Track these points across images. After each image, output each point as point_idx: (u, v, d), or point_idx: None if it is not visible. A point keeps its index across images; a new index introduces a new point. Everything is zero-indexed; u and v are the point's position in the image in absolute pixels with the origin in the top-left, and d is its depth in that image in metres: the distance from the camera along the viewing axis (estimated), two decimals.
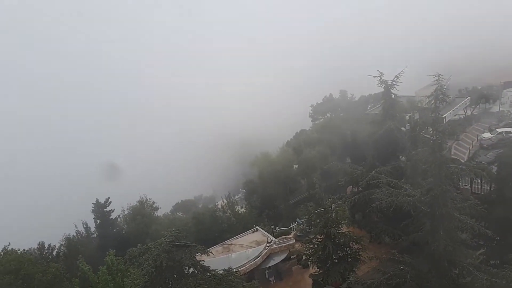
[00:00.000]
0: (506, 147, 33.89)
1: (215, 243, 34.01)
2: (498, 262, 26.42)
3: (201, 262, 18.77)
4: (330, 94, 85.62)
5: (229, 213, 39.68)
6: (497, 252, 26.95)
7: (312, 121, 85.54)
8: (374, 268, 26.27)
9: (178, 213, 57.23)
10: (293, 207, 47.26)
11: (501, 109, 70.05)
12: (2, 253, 25.39)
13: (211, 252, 20.53)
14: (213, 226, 37.89)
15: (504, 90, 72.09)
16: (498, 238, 26.65)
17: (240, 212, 40.56)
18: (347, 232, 29.03)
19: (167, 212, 56.71)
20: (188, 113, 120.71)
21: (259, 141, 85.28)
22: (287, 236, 33.89)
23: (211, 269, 19.22)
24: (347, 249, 28.59)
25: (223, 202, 41.56)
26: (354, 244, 28.54)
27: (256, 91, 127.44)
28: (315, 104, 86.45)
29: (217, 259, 29.33)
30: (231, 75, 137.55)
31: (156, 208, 44.81)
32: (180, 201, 65.97)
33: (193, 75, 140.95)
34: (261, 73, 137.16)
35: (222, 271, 19.54)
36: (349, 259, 28.38)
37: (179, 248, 17.95)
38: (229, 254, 31.31)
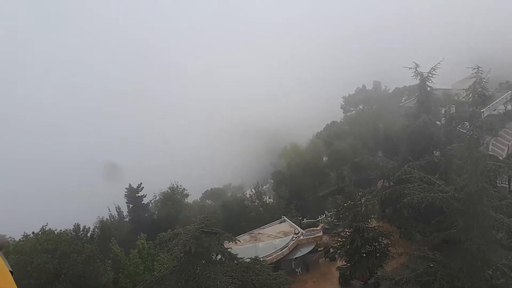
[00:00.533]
0: None
1: (242, 231, 34.30)
2: None
3: (228, 250, 19.07)
4: (363, 86, 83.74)
5: (257, 202, 39.90)
6: None
7: (343, 112, 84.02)
8: (403, 264, 25.81)
9: (207, 201, 58.04)
10: (321, 199, 46.94)
11: None
12: (40, 232, 26.67)
13: (239, 240, 20.84)
14: (241, 215, 38.21)
15: None
16: None
17: (268, 202, 40.71)
18: (376, 227, 28.70)
19: (197, 200, 57.63)
20: (218, 103, 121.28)
21: (289, 131, 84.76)
22: (315, 228, 33.81)
23: (238, 257, 19.49)
24: (376, 244, 28.29)
25: (251, 191, 41.82)
26: (383, 239, 28.21)
27: (287, 81, 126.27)
28: (347, 95, 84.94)
29: (244, 247, 29.63)
30: (262, 63, 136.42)
31: (186, 195, 45.62)
32: (209, 189, 66.81)
33: (221, 61, 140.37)
34: (294, 63, 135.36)
35: (249, 260, 19.78)
36: (378, 254, 28.08)
37: (207, 235, 18.30)
38: (257, 243, 31.58)
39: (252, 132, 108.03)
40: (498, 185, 34.43)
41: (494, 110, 60.63)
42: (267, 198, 42.11)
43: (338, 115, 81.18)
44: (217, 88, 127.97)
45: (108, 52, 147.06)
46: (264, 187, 52.93)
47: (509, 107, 66.43)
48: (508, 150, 48.02)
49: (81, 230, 34.23)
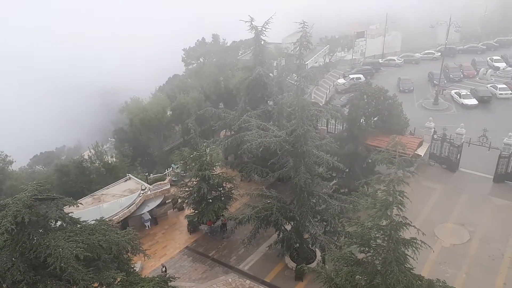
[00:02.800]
0: (356, 91, 38.73)
1: (84, 195, 32.19)
2: (346, 190, 31.01)
3: (69, 215, 17.69)
4: (203, 38, 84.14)
5: (98, 163, 37.54)
6: (346, 182, 31.51)
7: (185, 66, 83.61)
8: (245, 204, 28.34)
9: (37, 167, 51.76)
10: (167, 153, 46.90)
11: (353, 57, 78.62)
12: None
13: (81, 203, 19.44)
14: (80, 178, 35.57)
15: (356, 40, 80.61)
16: (347, 170, 31.02)
17: (110, 162, 38.66)
18: (220, 173, 30.39)
19: (24, 166, 50.84)
20: (49, 64, 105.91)
21: (130, 87, 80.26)
22: (162, 182, 33.88)
23: (81, 220, 18.32)
24: (221, 189, 30.11)
25: (90, 152, 38.93)
26: (227, 183, 30.14)
27: (123, 38, 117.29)
28: (187, 48, 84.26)
29: (87, 210, 27.92)
30: (97, 25, 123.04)
31: (10, 162, 39.68)
32: (39, 154, 59.46)
33: (58, 24, 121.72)
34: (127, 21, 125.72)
35: (94, 222, 18.81)
36: (223, 198, 30.01)
37: (42, 202, 16.51)
38: (101, 205, 30.09)
39: (89, 89, 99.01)
40: (319, 127, 39.98)
41: (316, 63, 68.84)
42: (109, 157, 39.88)
43: (180, 69, 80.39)
44: (48, 49, 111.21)
45: None
46: (105, 146, 49.81)
47: (327, 60, 76.32)
48: (326, 97, 55.76)
49: None
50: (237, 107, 37.21)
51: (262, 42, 35.08)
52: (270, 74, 38.10)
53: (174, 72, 71.82)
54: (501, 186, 34.60)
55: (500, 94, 52.50)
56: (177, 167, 38.71)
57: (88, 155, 38.58)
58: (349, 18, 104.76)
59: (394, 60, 71.05)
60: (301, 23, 23.55)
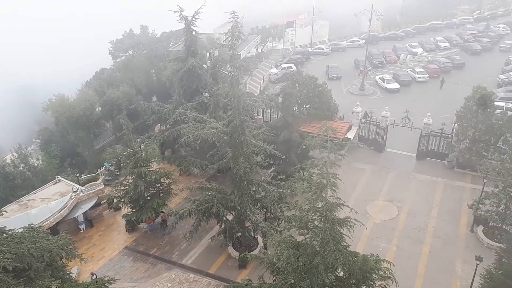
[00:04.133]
0: (288, 80, 39.68)
1: (8, 201, 29.80)
2: (284, 176, 31.87)
3: None
4: (131, 30, 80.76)
5: (22, 167, 34.83)
6: (283, 168, 32.37)
7: (113, 59, 79.79)
8: (185, 198, 28.03)
9: None
10: (99, 152, 44.67)
11: (284, 47, 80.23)
12: None
13: (5, 211, 18.03)
14: (3, 184, 32.81)
15: (286, 30, 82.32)
16: (284, 156, 31.85)
17: (36, 164, 36.03)
18: (157, 169, 29.69)
19: None
20: None
21: (53, 85, 74.92)
22: (95, 182, 32.33)
23: (7, 229, 16.99)
24: (159, 185, 29.46)
25: (13, 156, 35.98)
26: (165, 179, 29.55)
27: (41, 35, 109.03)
28: (114, 40, 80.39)
29: (13, 218, 25.94)
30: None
31: None
32: None
33: None
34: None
35: (21, 229, 17.54)
36: (161, 194, 29.41)
37: None
38: (28, 211, 28.03)
39: (8, 88, 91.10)
40: (255, 117, 40.53)
41: (249, 53, 69.19)
42: (35, 160, 37.14)
43: (107, 62, 76.62)
44: None
45: None
46: (30, 148, 46.35)
47: (259, 50, 77.05)
48: (260, 87, 56.50)
49: None
50: (171, 99, 36.45)
51: (194, 33, 34.56)
52: (204, 65, 37.75)
53: (101, 66, 68.21)
54: (423, 162, 37.64)
55: (418, 77, 56.72)
56: (111, 166, 37.16)
57: (11, 159, 35.64)
58: (278, 8, 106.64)
59: (322, 48, 73.59)
60: (231, 13, 23.53)
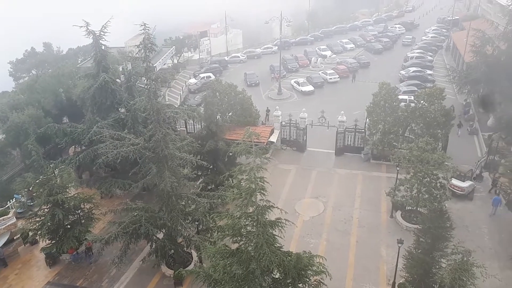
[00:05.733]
0: (208, 90, 39.67)
1: None
2: (213, 186, 31.62)
3: None
4: (32, 48, 74.92)
5: None
6: (212, 178, 32.09)
7: (14, 80, 73.29)
8: (110, 222, 26.45)
9: None
10: (7, 183, 40.47)
11: (200, 56, 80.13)
12: None
13: None
14: None
15: (201, 39, 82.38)
16: (211, 166, 31.62)
17: None
18: (76, 195, 27.68)
19: None
20: None
21: None
22: (6, 216, 29.13)
23: None
24: (79, 211, 27.50)
25: None
26: (85, 204, 27.68)
27: None
28: (14, 60, 73.96)
29: None
30: None
31: None
32: None
33: None
34: None
35: None
36: (83, 221, 27.47)
37: None
38: None
39: None
40: (178, 129, 39.75)
41: (164, 64, 67.91)
42: None
43: (9, 84, 70.25)
44: None
45: None
46: None
47: (175, 61, 76.05)
48: (180, 98, 55.66)
49: None
50: (84, 119, 34.31)
51: (103, 47, 32.97)
52: (118, 80, 36.14)
53: (1, 89, 62.25)
54: (342, 158, 39.83)
55: (330, 79, 60.12)
56: (22, 197, 33.81)
57: None
58: (190, 19, 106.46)
59: (238, 56, 74.78)
60: (142, 25, 22.85)
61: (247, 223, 16.59)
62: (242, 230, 16.76)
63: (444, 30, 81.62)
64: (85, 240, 26.82)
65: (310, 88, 56.76)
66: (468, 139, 42.20)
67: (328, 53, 72.54)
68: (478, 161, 36.57)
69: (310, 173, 37.42)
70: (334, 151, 40.31)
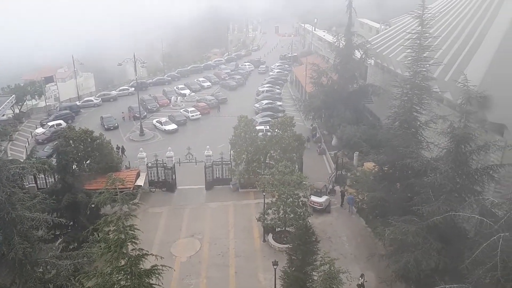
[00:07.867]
0: (60, 138, 36.26)
1: None
2: (76, 244, 28.53)
3: None
4: None
5: None
6: (74, 236, 28.95)
7: None
8: None
9: None
10: None
11: (47, 103, 73.12)
12: None
13: None
14: None
15: (47, 85, 75.46)
16: (72, 222, 28.62)
17: None
18: None
19: None
20: None
21: None
22: None
23: None
24: None
25: None
26: None
27: None
28: None
29: None
30: None
31: None
32: None
33: None
34: None
35: None
36: None
37: None
38: None
39: None
40: (27, 186, 35.11)
41: (3, 115, 59.87)
42: None
43: None
44: None
45: None
46: None
47: (16, 110, 67.75)
48: (26, 151, 49.42)
49: None
50: None
51: None
52: None
53: None
54: (212, 191, 40.43)
55: (192, 116, 61.19)
56: None
57: None
58: (33, 62, 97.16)
59: (92, 100, 70.63)
60: None
61: (120, 277, 15.49)
62: (115, 286, 15.54)
63: (286, 65, 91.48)
64: None
65: (173, 126, 56.71)
66: (319, 158, 47.43)
67: (187, 91, 73.99)
68: (329, 177, 41.30)
69: (182, 211, 36.90)
70: (204, 186, 40.69)
